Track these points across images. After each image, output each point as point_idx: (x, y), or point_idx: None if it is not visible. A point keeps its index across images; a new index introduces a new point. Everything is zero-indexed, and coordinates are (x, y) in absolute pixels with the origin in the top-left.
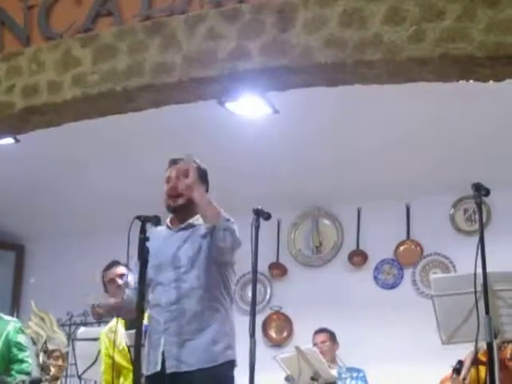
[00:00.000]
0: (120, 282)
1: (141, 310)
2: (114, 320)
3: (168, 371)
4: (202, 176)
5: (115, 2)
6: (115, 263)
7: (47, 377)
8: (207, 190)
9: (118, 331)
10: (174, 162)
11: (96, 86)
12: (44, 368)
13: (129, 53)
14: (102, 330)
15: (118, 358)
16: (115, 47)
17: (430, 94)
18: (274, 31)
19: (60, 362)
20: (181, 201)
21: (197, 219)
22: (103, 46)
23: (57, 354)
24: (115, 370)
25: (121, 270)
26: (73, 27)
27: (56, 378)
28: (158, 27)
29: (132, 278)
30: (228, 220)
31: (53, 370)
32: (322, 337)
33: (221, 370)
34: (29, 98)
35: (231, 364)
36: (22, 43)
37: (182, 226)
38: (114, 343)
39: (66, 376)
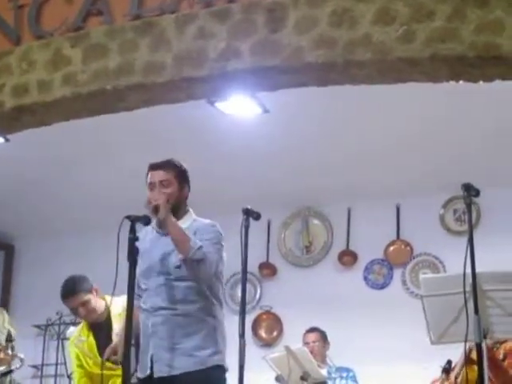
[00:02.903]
0: (83, 312)
1: (130, 310)
2: (80, 327)
3: (156, 375)
4: (183, 178)
5: (105, 1)
6: (71, 292)
7: None
8: (189, 190)
9: (87, 339)
10: (153, 167)
11: (86, 86)
12: None
13: (119, 52)
14: (71, 338)
15: (91, 366)
16: (106, 46)
17: (422, 95)
18: (264, 31)
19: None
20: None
21: (183, 222)
22: (93, 45)
23: None
24: (88, 378)
25: (81, 298)
26: (63, 26)
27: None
28: (149, 26)
29: (96, 303)
30: (200, 248)
31: None
32: (313, 336)
33: (209, 374)
34: (19, 97)
35: (221, 368)
36: (13, 42)
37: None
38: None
39: (56, 375)
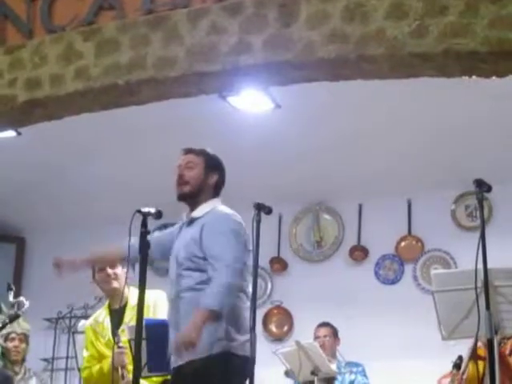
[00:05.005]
0: (110, 271)
1: (141, 304)
2: (99, 310)
3: (172, 366)
4: (212, 167)
5: None
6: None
7: (7, 361)
8: (222, 179)
9: (103, 321)
10: (185, 151)
11: (98, 80)
12: (5, 352)
13: (131, 46)
14: (87, 323)
15: (102, 347)
16: (118, 41)
17: (434, 91)
18: (276, 26)
19: (17, 343)
20: (187, 189)
21: (198, 212)
22: (106, 39)
23: (12, 335)
24: (96, 358)
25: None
26: (75, 20)
27: (14, 362)
28: (161, 21)
29: (122, 271)
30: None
31: (12, 353)
32: (324, 331)
33: (210, 361)
34: (31, 91)
35: (227, 355)
36: (25, 36)
37: (187, 220)
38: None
39: (66, 369)
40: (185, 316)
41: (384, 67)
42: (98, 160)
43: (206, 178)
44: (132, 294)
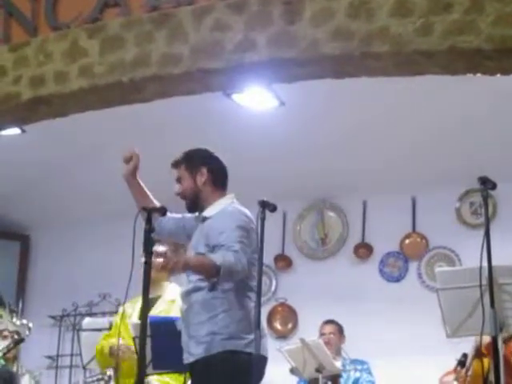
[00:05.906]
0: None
1: (146, 300)
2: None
3: (184, 362)
4: (194, 165)
5: None
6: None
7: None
8: (216, 168)
9: (136, 306)
10: (171, 165)
11: (103, 77)
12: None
13: (136, 44)
14: (126, 304)
15: (123, 329)
16: (122, 38)
17: (439, 87)
18: (281, 23)
19: (10, 341)
20: (187, 202)
21: (209, 212)
22: (110, 36)
23: (5, 333)
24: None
25: (160, 248)
26: (80, 18)
27: (7, 359)
28: (165, 18)
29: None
30: (224, 261)
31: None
32: (329, 328)
33: (213, 359)
34: (36, 88)
35: (231, 353)
36: (30, 34)
37: (201, 218)
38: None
39: (71, 366)
40: (196, 316)
41: (388, 64)
42: (103, 157)
43: (195, 180)
44: (170, 288)
